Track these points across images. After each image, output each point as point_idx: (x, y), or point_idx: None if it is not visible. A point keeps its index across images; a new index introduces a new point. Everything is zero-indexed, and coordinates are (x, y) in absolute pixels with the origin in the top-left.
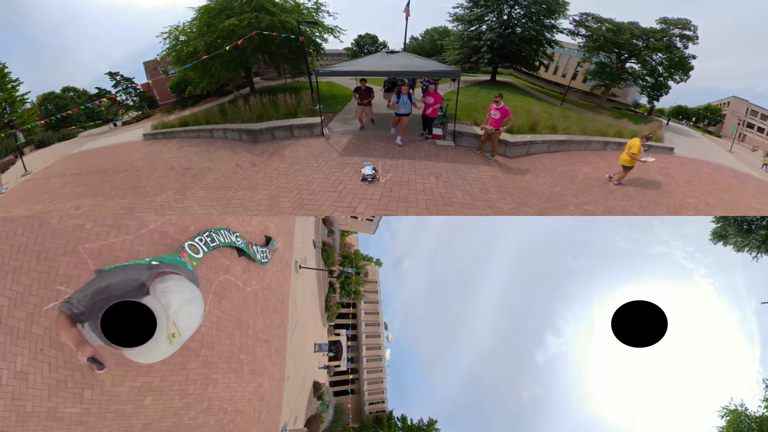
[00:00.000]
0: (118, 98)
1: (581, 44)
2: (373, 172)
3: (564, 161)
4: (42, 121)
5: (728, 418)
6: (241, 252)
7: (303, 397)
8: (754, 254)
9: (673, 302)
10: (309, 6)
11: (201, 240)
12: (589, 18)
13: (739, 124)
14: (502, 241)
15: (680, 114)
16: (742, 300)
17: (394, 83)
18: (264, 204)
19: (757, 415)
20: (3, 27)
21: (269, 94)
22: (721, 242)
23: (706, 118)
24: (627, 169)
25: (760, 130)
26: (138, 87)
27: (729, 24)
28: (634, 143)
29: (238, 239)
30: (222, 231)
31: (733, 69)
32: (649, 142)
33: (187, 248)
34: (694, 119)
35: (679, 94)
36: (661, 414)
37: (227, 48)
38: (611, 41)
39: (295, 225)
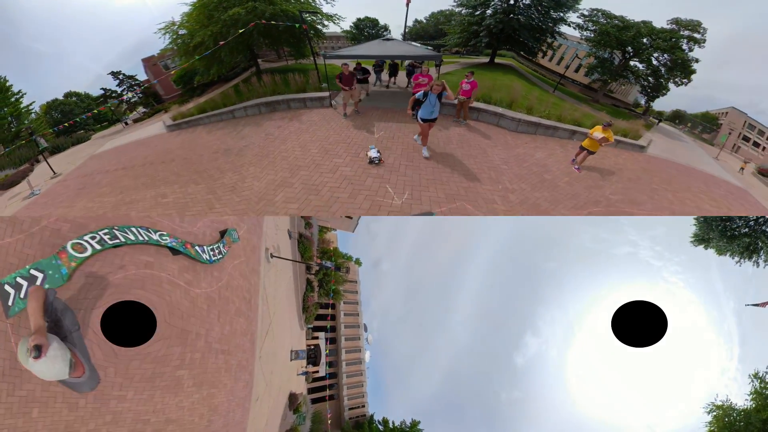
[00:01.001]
0: (125, 97)
1: (584, 37)
2: (378, 154)
3: (525, 143)
4: (63, 125)
5: (715, 413)
6: (175, 251)
7: (276, 414)
8: (736, 259)
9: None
10: None
11: (94, 237)
12: (599, 14)
13: (729, 133)
14: (480, 242)
15: (677, 118)
16: (719, 299)
17: (364, 71)
18: (297, 150)
19: (743, 408)
20: None
21: (278, 73)
22: (702, 245)
23: (700, 125)
24: (583, 150)
25: (756, 144)
26: (143, 84)
27: (742, 36)
28: (595, 129)
29: (164, 238)
30: (133, 229)
31: (740, 82)
32: (625, 139)
33: (69, 248)
34: (689, 125)
35: (683, 99)
36: (642, 410)
37: (240, 31)
38: (615, 37)
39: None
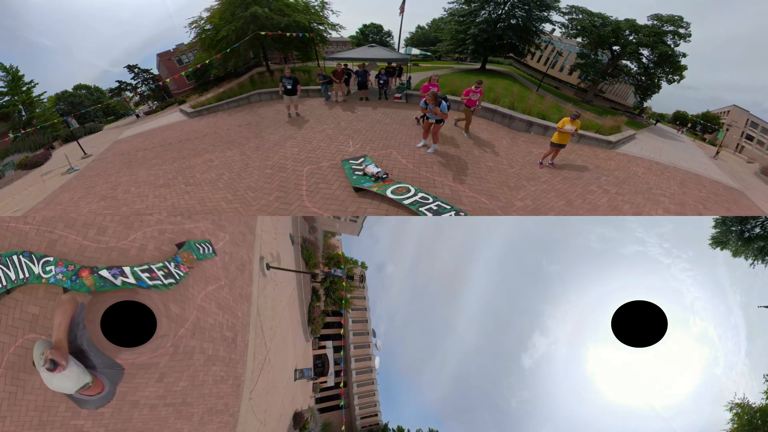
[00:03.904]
0: (140, 89)
1: (564, 33)
2: (380, 169)
3: (477, 126)
4: (94, 106)
5: (735, 410)
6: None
7: None
8: (750, 261)
9: (658, 299)
10: (315, 5)
11: None
12: (576, 11)
13: (727, 129)
14: (483, 242)
15: (678, 119)
16: (726, 293)
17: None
18: (300, 120)
19: (759, 406)
20: None
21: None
22: (719, 247)
23: (699, 125)
24: (555, 146)
25: (760, 143)
26: (158, 77)
27: (744, 35)
28: (564, 122)
29: (47, 269)
30: (14, 257)
31: (743, 82)
32: (589, 133)
33: None
34: (689, 125)
35: (687, 101)
36: (652, 403)
37: (262, 33)
38: (596, 33)
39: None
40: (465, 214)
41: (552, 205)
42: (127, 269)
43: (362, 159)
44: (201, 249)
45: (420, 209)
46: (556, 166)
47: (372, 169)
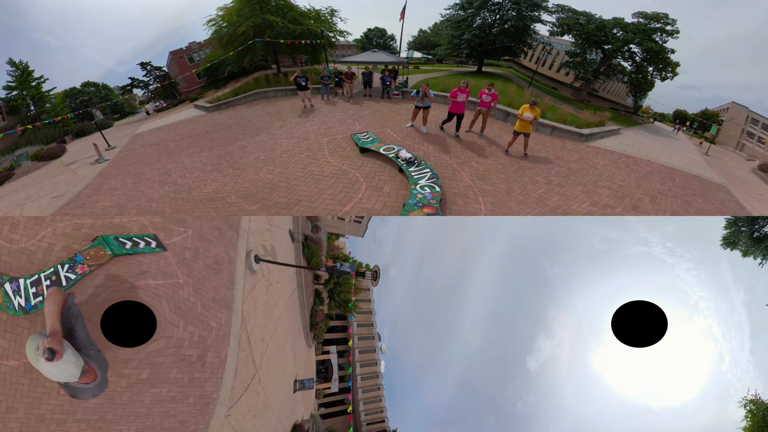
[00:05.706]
0: (152, 87)
1: (551, 32)
2: (411, 155)
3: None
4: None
5: (749, 407)
6: None
7: None
8: (759, 260)
9: (662, 297)
10: (325, 13)
11: None
12: (561, 9)
13: (721, 123)
14: (484, 244)
15: (677, 118)
16: (729, 291)
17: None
18: (314, 109)
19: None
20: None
21: None
22: (729, 248)
23: (696, 122)
24: (517, 134)
25: (761, 141)
26: (170, 75)
27: (746, 34)
28: (523, 109)
29: None
30: None
31: (745, 80)
32: (561, 125)
33: None
34: (688, 123)
35: (690, 101)
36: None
37: (282, 41)
38: (584, 31)
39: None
40: (433, 172)
41: (493, 189)
42: (21, 282)
43: (366, 133)
44: (131, 244)
45: (397, 159)
46: (517, 155)
47: (405, 154)
